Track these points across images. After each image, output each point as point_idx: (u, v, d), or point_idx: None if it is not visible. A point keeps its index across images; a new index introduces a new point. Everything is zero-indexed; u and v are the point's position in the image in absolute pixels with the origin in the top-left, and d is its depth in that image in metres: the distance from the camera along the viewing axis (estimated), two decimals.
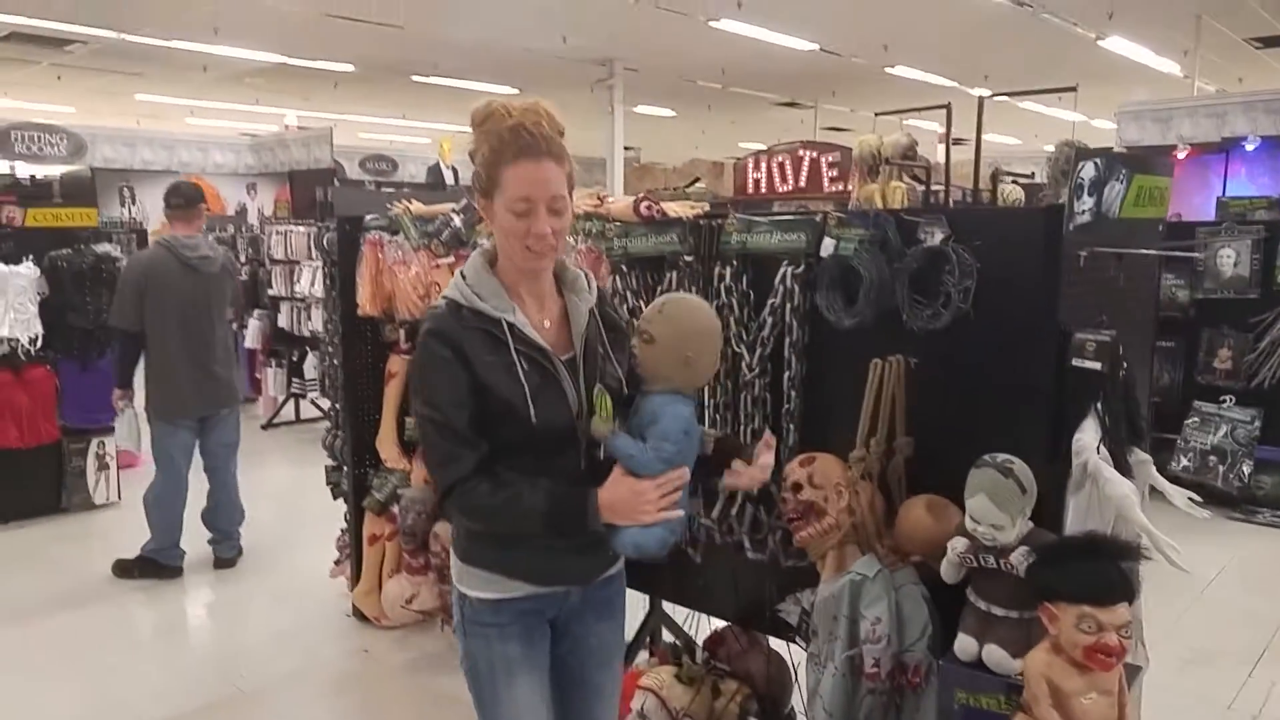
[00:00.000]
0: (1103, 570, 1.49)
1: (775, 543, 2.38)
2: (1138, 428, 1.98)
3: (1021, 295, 1.93)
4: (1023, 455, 1.79)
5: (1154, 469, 1.98)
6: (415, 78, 14.83)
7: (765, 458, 1.75)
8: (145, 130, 15.50)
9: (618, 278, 2.61)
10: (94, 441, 5.49)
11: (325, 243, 3.63)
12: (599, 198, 2.61)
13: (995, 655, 1.72)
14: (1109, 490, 1.74)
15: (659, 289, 2.55)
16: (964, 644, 1.77)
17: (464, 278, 1.71)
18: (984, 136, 4.94)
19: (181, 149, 14.88)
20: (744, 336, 2.42)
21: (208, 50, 12.05)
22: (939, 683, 1.83)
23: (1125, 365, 1.86)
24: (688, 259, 2.48)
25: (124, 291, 4.32)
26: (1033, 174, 6.44)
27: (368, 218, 3.43)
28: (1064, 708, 1.44)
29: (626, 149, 16.41)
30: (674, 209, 2.52)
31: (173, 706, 3.35)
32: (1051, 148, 4.04)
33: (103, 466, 5.55)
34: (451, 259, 3.07)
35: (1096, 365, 1.75)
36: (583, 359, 1.73)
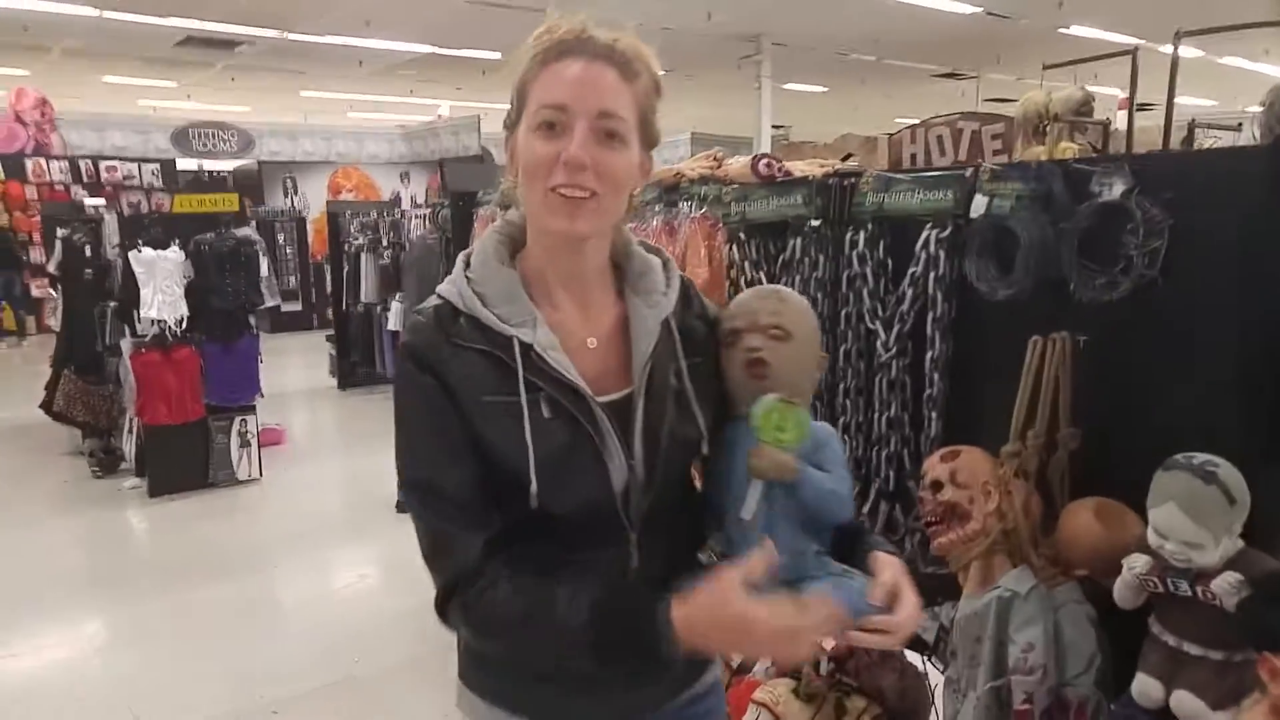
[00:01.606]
0: None
1: (913, 545, 2.09)
2: None
3: (1232, 256, 1.57)
4: (1231, 456, 1.43)
5: None
6: None
7: (906, 602, 1.13)
8: (306, 125, 16.32)
9: (735, 247, 2.36)
10: (236, 420, 5.72)
11: (440, 219, 3.54)
12: (715, 158, 2.36)
13: (1188, 705, 1.37)
14: None
15: (780, 259, 2.28)
16: (1145, 686, 1.43)
17: (467, 267, 1.20)
18: (1177, 98, 4.32)
19: (339, 141, 15.56)
20: (880, 311, 2.12)
21: (360, 44, 12.50)
22: None
23: None
24: (814, 224, 2.20)
25: None
26: (1239, 126, 5.64)
27: (481, 193, 3.30)
28: None
29: (775, 128, 15.98)
30: (799, 168, 2.24)
31: (289, 687, 3.36)
32: (1258, 107, 3.42)
33: (245, 444, 5.78)
34: None
35: None
36: (644, 399, 1.17)
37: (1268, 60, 11.95)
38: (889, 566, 1.14)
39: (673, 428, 1.19)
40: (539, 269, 1.20)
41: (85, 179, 13.25)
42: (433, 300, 1.20)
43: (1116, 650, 1.63)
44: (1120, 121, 5.48)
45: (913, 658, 2.27)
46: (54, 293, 6.78)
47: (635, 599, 1.12)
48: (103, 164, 13.45)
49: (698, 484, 1.31)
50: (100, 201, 7.40)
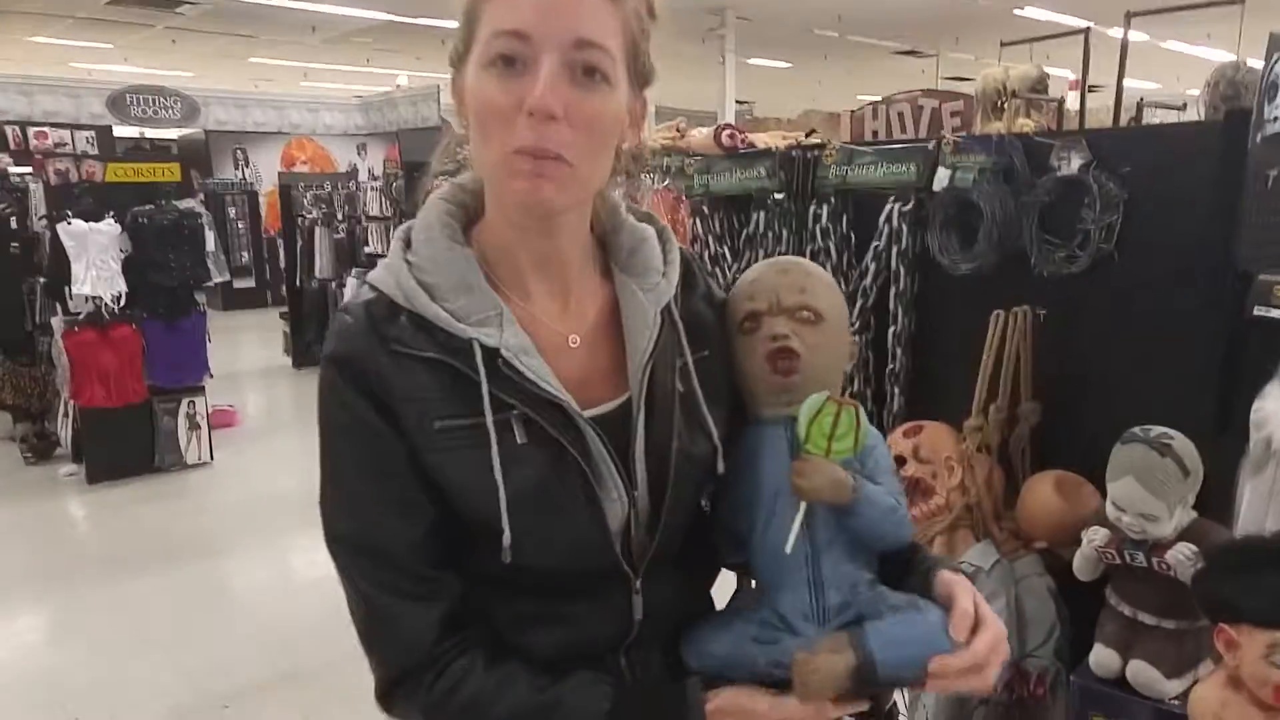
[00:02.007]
0: None
1: None
2: None
3: (1184, 231, 1.58)
4: (1184, 428, 1.44)
5: None
6: None
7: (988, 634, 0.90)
8: (256, 93, 15.86)
9: (698, 220, 2.33)
10: (184, 401, 5.52)
11: (393, 190, 3.46)
12: (678, 128, 2.33)
13: (1144, 674, 1.39)
14: None
15: (744, 233, 2.26)
16: (1103, 657, 1.45)
17: (407, 248, 0.93)
18: (1123, 81, 4.38)
19: (292, 111, 15.14)
20: (843, 286, 2.10)
21: (313, 8, 12.15)
22: (1071, 701, 1.51)
23: None
24: (778, 196, 2.18)
25: None
26: (1184, 105, 5.74)
27: (434, 163, 3.23)
28: None
29: (739, 103, 15.93)
30: (763, 139, 2.22)
31: (241, 680, 3.30)
32: (1197, 90, 3.45)
33: (194, 426, 5.58)
34: None
35: None
36: (644, 409, 0.93)
37: (1209, 45, 12.21)
38: (962, 590, 0.91)
39: (682, 444, 0.94)
40: (502, 247, 0.93)
41: (13, 146, 12.66)
42: (364, 293, 0.92)
43: (1074, 621, 1.65)
44: (1072, 103, 5.53)
45: None
46: None
47: (662, 683, 0.94)
48: (31, 130, 12.87)
49: (703, 503, 1.08)
50: (27, 170, 7.09)
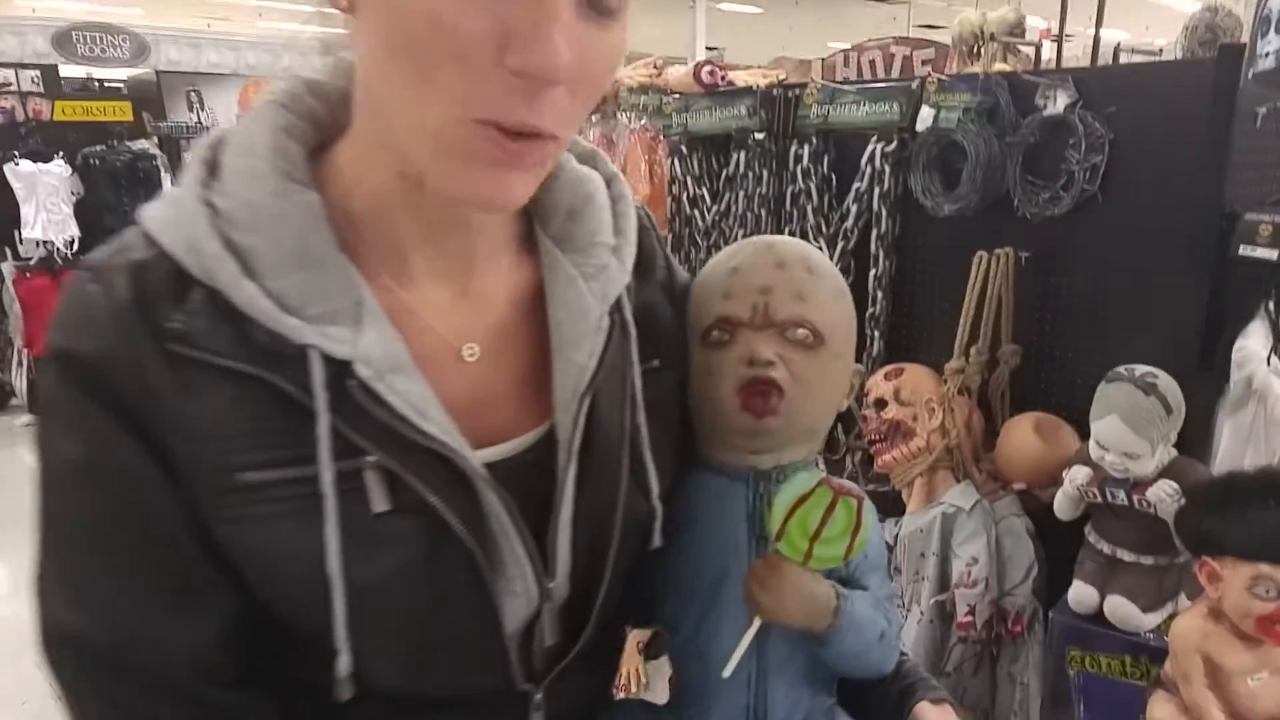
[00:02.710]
0: None
1: (854, 464, 2.10)
2: None
3: (1170, 171, 1.57)
4: (1167, 367, 1.45)
5: None
6: None
7: None
8: (210, 32, 15.32)
9: (677, 160, 2.29)
10: None
11: None
12: (655, 65, 2.27)
13: (1121, 609, 1.41)
14: None
15: (724, 174, 2.22)
16: (1081, 593, 1.47)
17: (210, 176, 0.57)
18: (1100, 27, 4.36)
19: (249, 51, 14.65)
20: (823, 229, 2.09)
21: None
22: (1049, 638, 1.53)
23: None
24: (758, 136, 2.14)
25: None
26: (1159, 51, 5.74)
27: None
28: (1223, 689, 1.14)
29: (709, 48, 15.71)
30: (743, 77, 2.17)
31: None
32: (1164, 40, 3.40)
33: None
34: None
35: (1272, 254, 1.38)
36: (577, 456, 0.62)
37: None
38: None
39: (629, 507, 0.65)
40: (374, 200, 0.59)
41: None
42: (131, 248, 0.56)
43: (1051, 561, 1.67)
44: (1046, 53, 5.51)
45: None
46: None
47: None
48: None
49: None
50: None
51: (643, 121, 2.33)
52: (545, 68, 0.49)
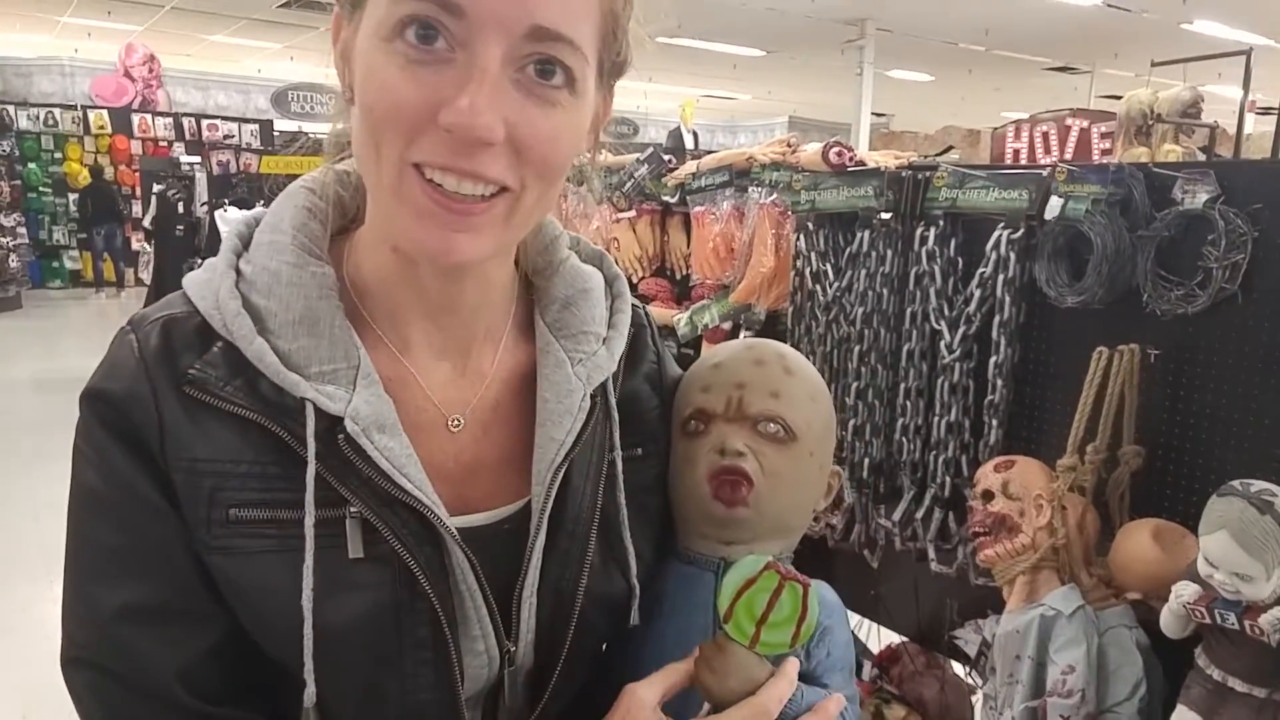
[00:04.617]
0: None
1: (965, 555, 2.04)
2: None
3: None
4: None
5: None
6: (660, 39, 14.89)
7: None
8: None
9: (803, 237, 2.32)
10: None
11: None
12: (788, 143, 2.33)
13: None
14: None
15: (848, 251, 2.23)
16: (1185, 719, 1.37)
17: (238, 253, 0.68)
18: None
19: None
20: (946, 311, 2.06)
21: None
22: None
23: None
24: (884, 216, 2.15)
25: None
26: None
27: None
28: None
29: (876, 115, 15.64)
30: (873, 158, 2.19)
31: None
32: None
33: None
34: (633, 212, 2.88)
35: None
36: (545, 528, 0.68)
37: None
38: None
39: (595, 580, 0.70)
40: (380, 275, 0.69)
41: (188, 136, 13.78)
42: (172, 305, 0.67)
43: (1167, 680, 1.57)
44: (1246, 125, 5.21)
45: (958, 669, 2.22)
46: (148, 247, 7.12)
47: None
48: (204, 122, 13.95)
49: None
50: (196, 159, 7.70)
51: (773, 196, 2.38)
52: (467, 125, 0.57)
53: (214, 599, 0.64)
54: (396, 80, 0.58)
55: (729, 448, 0.73)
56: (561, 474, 0.68)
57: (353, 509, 0.62)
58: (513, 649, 0.66)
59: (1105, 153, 7.27)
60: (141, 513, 0.62)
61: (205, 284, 0.65)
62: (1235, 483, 1.35)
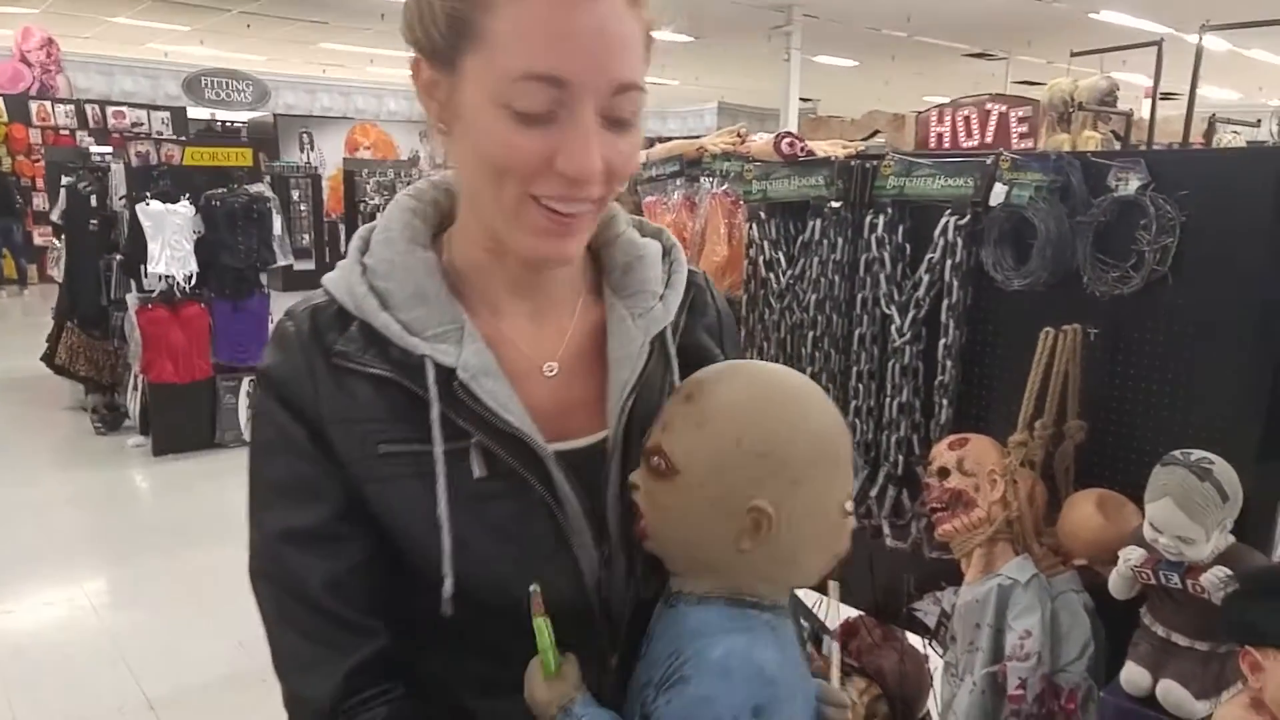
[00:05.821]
0: None
1: (919, 530, 2.13)
2: None
3: (1241, 256, 1.59)
4: (1229, 453, 1.45)
5: None
6: None
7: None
8: (325, 78, 16.11)
9: (755, 226, 2.37)
10: (246, 380, 5.67)
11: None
12: (739, 134, 2.37)
13: (1173, 694, 1.41)
14: None
15: (800, 240, 2.29)
16: (1133, 675, 1.47)
17: (364, 251, 0.85)
18: (1199, 90, 4.30)
19: (358, 96, 15.44)
20: (895, 296, 2.14)
21: None
22: (1101, 717, 1.53)
23: None
24: (835, 205, 2.22)
25: None
26: (1258, 122, 5.60)
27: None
28: None
29: (803, 100, 15.81)
30: (822, 148, 2.26)
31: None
32: (1278, 102, 3.37)
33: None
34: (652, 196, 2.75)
35: None
36: (621, 448, 0.84)
37: None
38: None
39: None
40: (474, 262, 0.85)
41: (92, 124, 13.04)
42: (314, 297, 0.84)
43: (1110, 639, 1.67)
44: (1145, 110, 5.44)
45: (914, 641, 2.31)
46: (57, 242, 6.70)
47: None
48: (110, 109, 13.23)
49: None
50: (108, 150, 7.34)
51: (724, 186, 2.42)
52: (583, 174, 0.73)
53: (357, 525, 0.80)
54: (515, 138, 0.72)
55: (628, 482, 0.83)
56: (629, 407, 0.84)
57: (473, 440, 0.79)
58: (607, 550, 0.83)
59: (1023, 136, 7.50)
60: (300, 459, 0.80)
61: (340, 279, 0.83)
62: (1177, 452, 1.44)
